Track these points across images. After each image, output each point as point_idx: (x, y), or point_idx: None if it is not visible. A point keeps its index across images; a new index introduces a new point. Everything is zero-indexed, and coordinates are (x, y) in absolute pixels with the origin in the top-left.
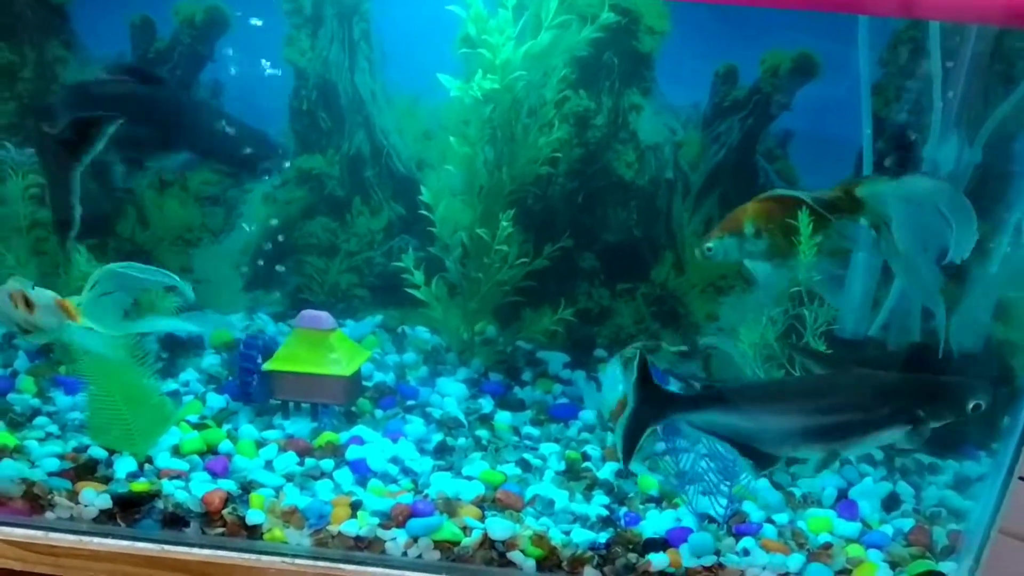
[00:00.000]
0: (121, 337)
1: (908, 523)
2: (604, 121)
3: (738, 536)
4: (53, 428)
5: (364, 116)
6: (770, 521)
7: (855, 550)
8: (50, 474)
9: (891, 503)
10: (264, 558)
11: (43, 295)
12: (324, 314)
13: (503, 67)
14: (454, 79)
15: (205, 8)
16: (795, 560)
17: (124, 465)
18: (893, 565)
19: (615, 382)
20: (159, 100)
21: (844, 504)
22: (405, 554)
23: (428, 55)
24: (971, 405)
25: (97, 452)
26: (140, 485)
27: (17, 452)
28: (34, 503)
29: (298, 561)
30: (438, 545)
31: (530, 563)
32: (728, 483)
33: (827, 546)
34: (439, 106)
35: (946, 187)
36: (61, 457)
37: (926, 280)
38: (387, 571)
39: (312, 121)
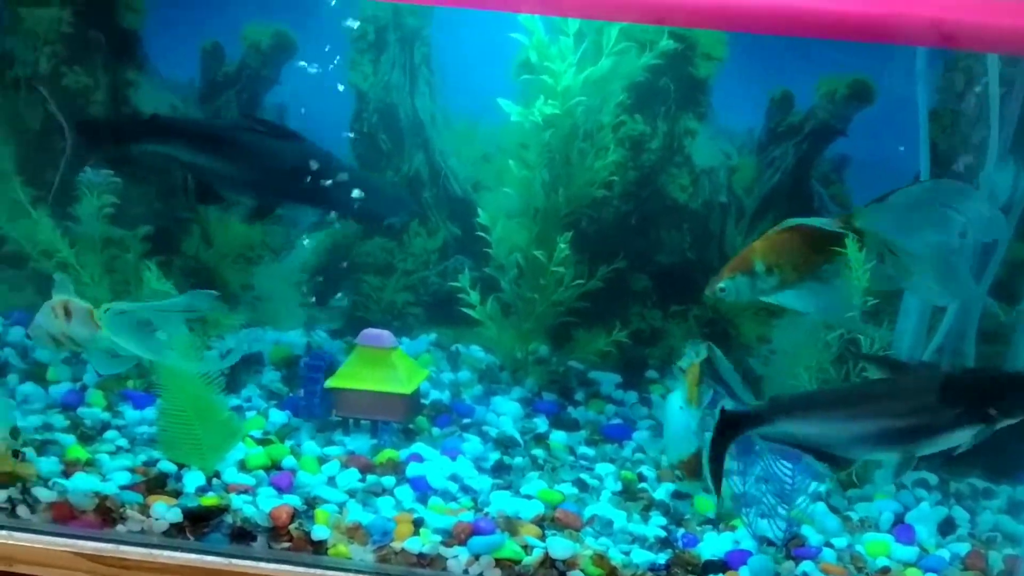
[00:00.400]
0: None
1: (964, 547)
2: (659, 145)
3: (797, 559)
4: (123, 442)
5: (423, 138)
6: (829, 545)
7: (913, 574)
8: (121, 487)
9: (947, 527)
10: (329, 573)
11: (80, 304)
12: (385, 332)
13: (563, 93)
14: (514, 104)
15: (272, 33)
16: None
17: (193, 479)
18: None
19: (681, 422)
20: (290, 153)
21: (901, 528)
22: (466, 572)
23: (486, 80)
24: None
25: (167, 466)
26: (209, 499)
27: (89, 465)
28: (105, 516)
29: None
30: (499, 563)
31: None
32: (786, 506)
33: (885, 570)
34: (496, 129)
35: (939, 184)
36: (131, 471)
37: (959, 277)
38: None
39: (372, 143)
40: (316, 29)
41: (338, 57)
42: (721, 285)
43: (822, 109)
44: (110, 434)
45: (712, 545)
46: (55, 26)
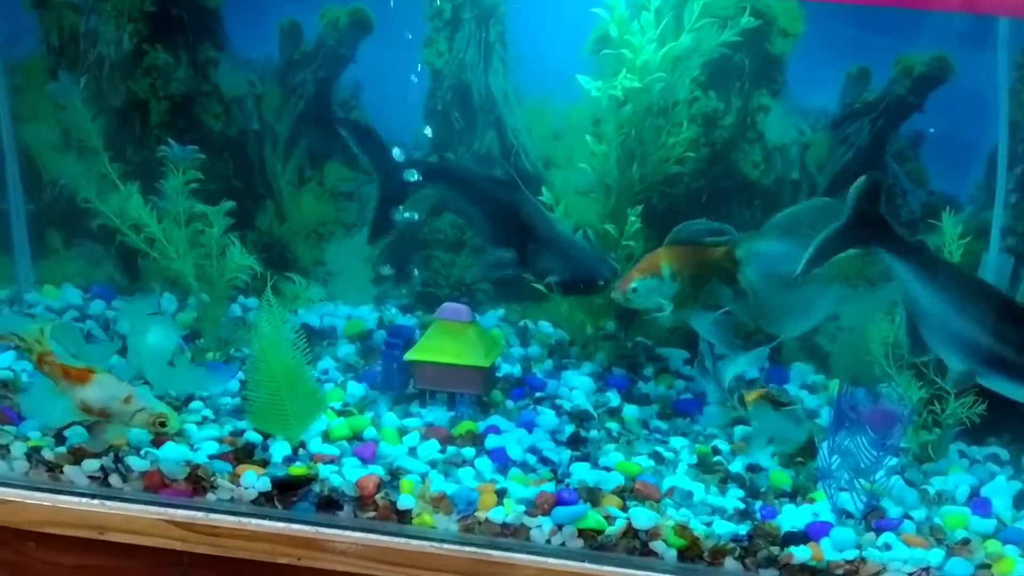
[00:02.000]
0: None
1: None
2: (732, 121)
3: (878, 531)
4: (208, 412)
5: (496, 116)
6: (908, 517)
7: (993, 546)
8: (210, 457)
9: (1021, 500)
10: (414, 542)
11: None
12: (464, 307)
13: (643, 68)
14: (591, 80)
15: (350, 11)
16: (935, 555)
17: (280, 449)
18: None
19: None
20: (507, 202)
21: (977, 501)
22: (549, 542)
23: (559, 57)
24: None
25: (253, 436)
26: (298, 469)
27: (178, 436)
28: (196, 485)
29: (446, 546)
30: (582, 533)
31: (672, 553)
32: (864, 480)
33: (965, 541)
34: (568, 107)
35: (810, 207)
36: (219, 441)
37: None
38: (533, 558)
39: (446, 120)
40: (393, 7)
41: (413, 35)
42: (633, 285)
43: (899, 85)
44: (195, 404)
45: (791, 517)
46: None
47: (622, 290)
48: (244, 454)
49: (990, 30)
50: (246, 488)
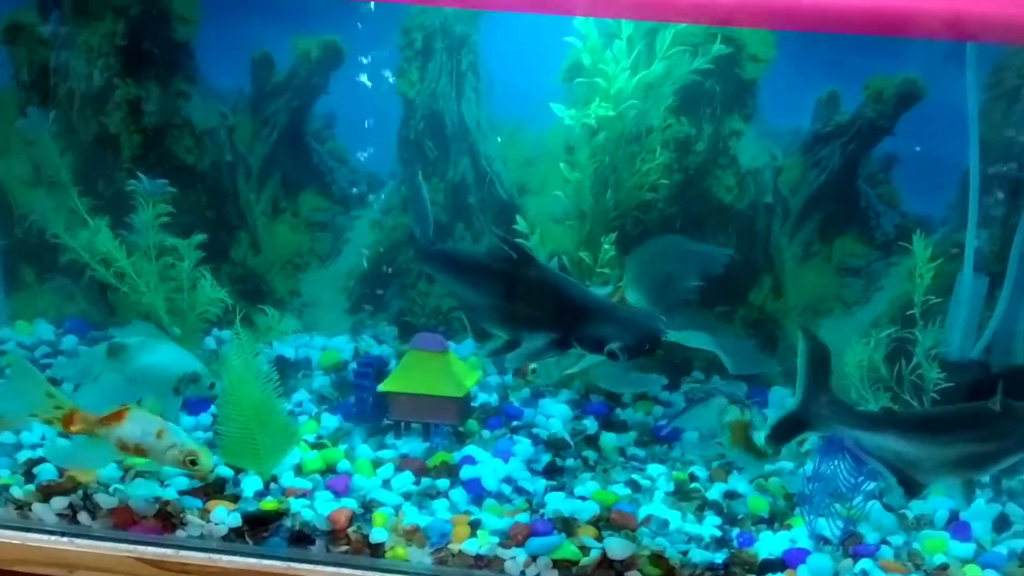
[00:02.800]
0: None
1: (1020, 543)
2: (705, 147)
3: (855, 557)
4: None
5: (469, 144)
6: (886, 542)
7: (972, 571)
8: (181, 492)
9: (1002, 524)
10: None
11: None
12: (438, 336)
13: (616, 96)
14: (565, 108)
15: (321, 42)
16: None
17: (251, 484)
18: None
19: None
20: (527, 280)
21: (957, 525)
22: (523, 573)
23: (531, 85)
24: None
25: (224, 471)
26: (269, 504)
27: (147, 471)
28: (166, 521)
29: None
30: (557, 564)
31: None
32: (843, 505)
33: (944, 567)
34: (542, 134)
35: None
36: (190, 476)
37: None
38: None
39: (419, 149)
40: (364, 38)
41: (386, 65)
42: (533, 367)
43: (870, 108)
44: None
45: (769, 544)
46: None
47: (522, 375)
48: (215, 489)
49: (959, 53)
50: (216, 524)
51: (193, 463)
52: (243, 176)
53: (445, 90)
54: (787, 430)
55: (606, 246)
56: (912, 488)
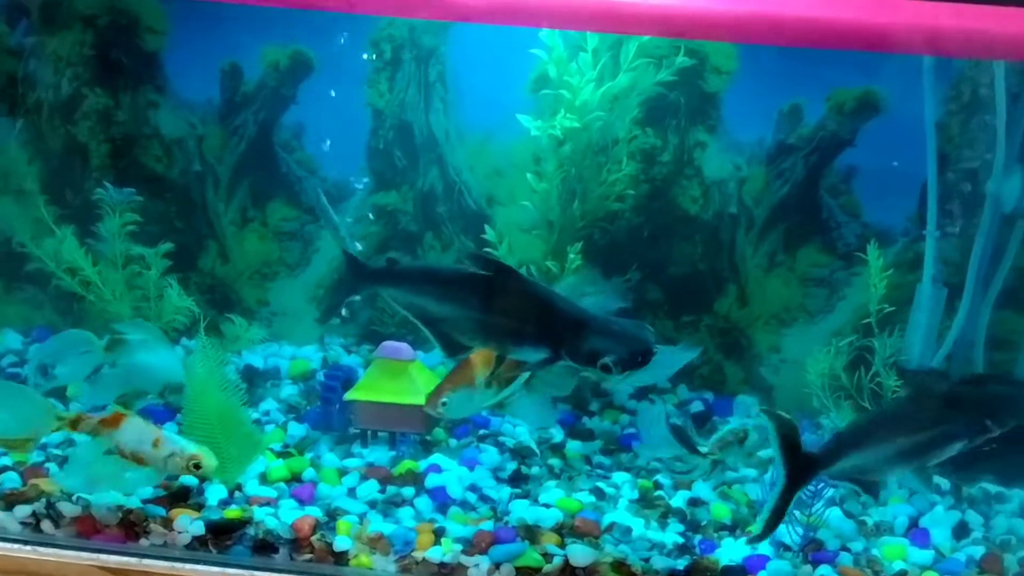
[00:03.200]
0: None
1: (979, 550)
2: (670, 158)
3: (815, 564)
4: None
5: (437, 154)
6: (845, 549)
7: None
8: (144, 501)
9: (961, 531)
10: None
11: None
12: (404, 345)
13: (581, 107)
14: (532, 119)
15: (290, 53)
16: None
17: (215, 492)
18: None
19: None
20: (508, 292)
21: (916, 532)
22: None
23: (500, 96)
24: None
25: (189, 480)
26: (233, 512)
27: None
28: (129, 530)
29: None
30: (520, 571)
31: None
32: (803, 512)
33: (903, 573)
34: (510, 144)
35: None
36: (154, 485)
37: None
38: None
39: (388, 159)
40: (333, 48)
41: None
42: (444, 400)
43: (831, 120)
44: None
45: (730, 551)
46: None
47: (431, 405)
48: (178, 498)
49: (917, 67)
50: (179, 532)
51: (197, 467)
52: (211, 186)
53: (414, 100)
54: (780, 511)
55: (572, 255)
56: (873, 490)
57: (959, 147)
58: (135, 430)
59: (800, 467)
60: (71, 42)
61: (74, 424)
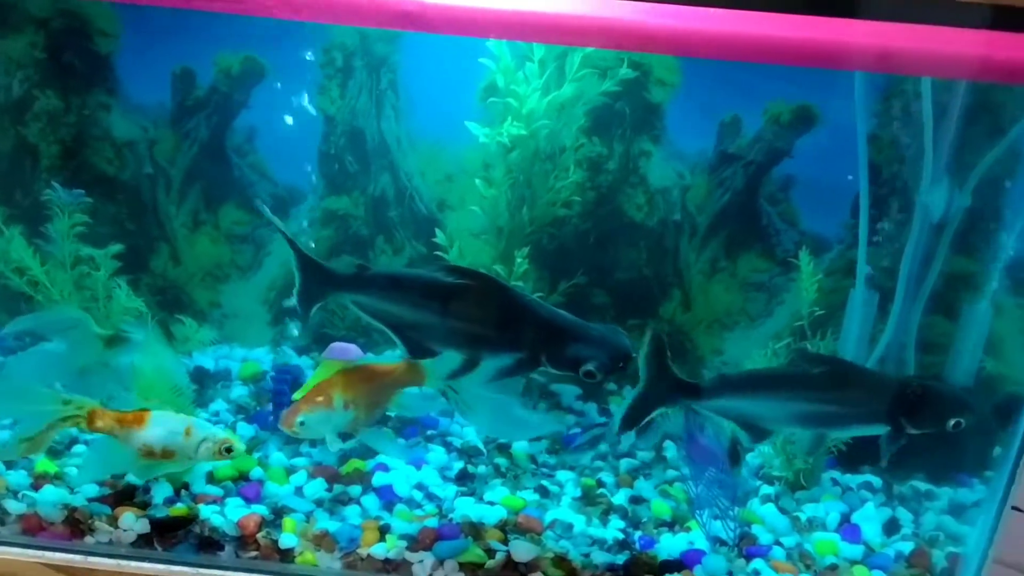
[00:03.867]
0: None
1: (908, 546)
2: (616, 166)
3: (749, 558)
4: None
5: (389, 160)
6: (779, 544)
7: (860, 572)
8: (90, 500)
9: (891, 527)
10: None
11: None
12: (352, 346)
13: (528, 116)
14: (480, 126)
15: (242, 59)
16: None
17: (161, 491)
18: None
19: None
20: (479, 295)
21: (847, 528)
22: None
23: (450, 103)
24: (952, 423)
25: (134, 478)
26: (178, 510)
27: (57, 479)
28: (75, 528)
29: None
30: (463, 567)
31: None
32: (736, 508)
33: (833, 567)
34: (460, 151)
35: None
36: (100, 484)
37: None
38: None
39: (340, 164)
40: (285, 55)
41: (307, 83)
42: (300, 419)
43: (769, 132)
44: (79, 448)
45: (668, 546)
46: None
47: (287, 424)
48: (123, 497)
49: (848, 81)
50: (124, 530)
51: (229, 451)
52: (163, 188)
53: (365, 108)
54: (638, 411)
55: (519, 259)
56: (758, 435)
57: (890, 159)
58: (164, 424)
59: (666, 381)
60: (22, 44)
61: (91, 421)
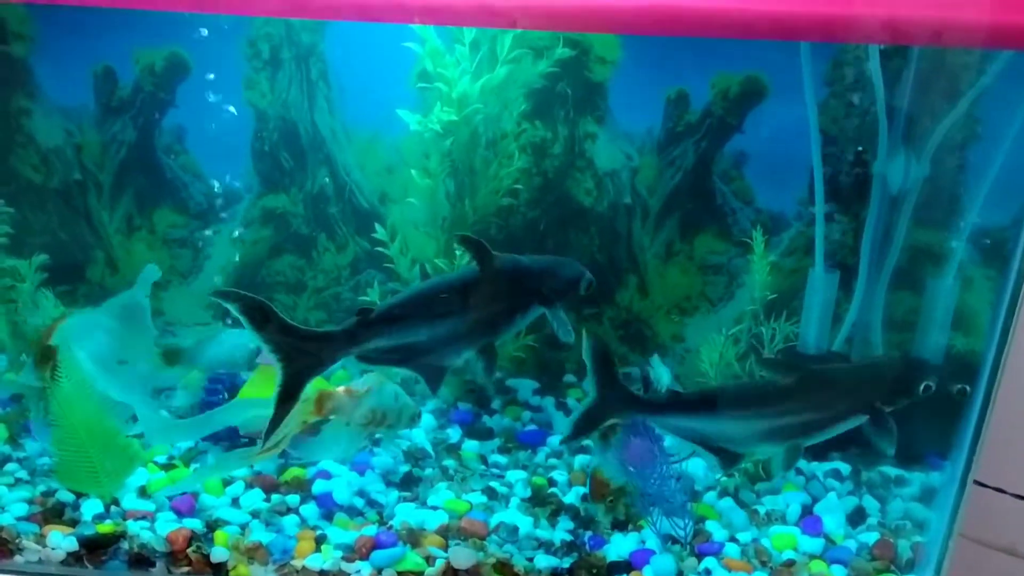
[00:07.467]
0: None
1: (873, 537)
2: (561, 150)
3: (701, 556)
4: (23, 474)
5: (325, 154)
6: (734, 540)
7: (818, 566)
8: (18, 518)
9: (857, 517)
10: None
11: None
12: None
13: (460, 100)
14: (413, 114)
15: (165, 55)
16: None
17: (91, 507)
18: None
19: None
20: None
21: (809, 520)
22: None
23: (385, 91)
24: (921, 387)
25: (65, 496)
26: (105, 527)
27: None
28: (2, 547)
29: None
30: (401, 575)
31: None
32: (688, 503)
33: (790, 563)
34: (399, 141)
35: None
36: (30, 502)
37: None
38: None
39: (274, 161)
40: (210, 49)
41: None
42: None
43: (717, 106)
44: (10, 466)
45: (618, 546)
46: None
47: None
48: (53, 514)
49: (795, 49)
50: (53, 549)
51: (417, 417)
52: (94, 194)
53: (297, 100)
54: (588, 423)
55: (459, 252)
56: (728, 460)
57: (844, 130)
58: (383, 392)
59: (616, 392)
60: None
61: (319, 408)
